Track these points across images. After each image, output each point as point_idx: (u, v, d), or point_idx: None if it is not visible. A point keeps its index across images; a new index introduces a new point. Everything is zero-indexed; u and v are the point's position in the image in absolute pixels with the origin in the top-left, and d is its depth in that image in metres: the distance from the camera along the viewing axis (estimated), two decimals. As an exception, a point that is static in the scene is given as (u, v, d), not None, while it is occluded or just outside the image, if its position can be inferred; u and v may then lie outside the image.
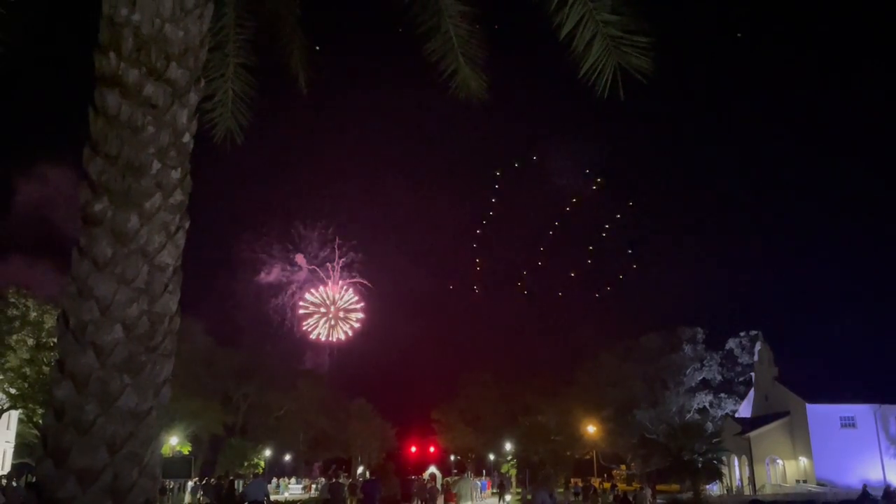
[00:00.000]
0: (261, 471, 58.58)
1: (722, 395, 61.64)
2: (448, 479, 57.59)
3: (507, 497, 46.12)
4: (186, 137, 5.62)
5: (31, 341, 38.97)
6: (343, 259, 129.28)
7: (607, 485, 51.33)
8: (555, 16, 7.25)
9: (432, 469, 62.23)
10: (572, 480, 53.81)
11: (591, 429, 60.62)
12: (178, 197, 5.47)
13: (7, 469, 44.38)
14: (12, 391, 39.68)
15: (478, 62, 8.82)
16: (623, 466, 69.20)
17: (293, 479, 72.21)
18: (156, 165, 5.31)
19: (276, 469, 78.92)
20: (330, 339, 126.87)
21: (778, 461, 53.55)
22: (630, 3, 7.17)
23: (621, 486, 53.77)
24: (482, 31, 8.64)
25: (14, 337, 38.45)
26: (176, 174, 5.46)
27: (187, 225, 5.59)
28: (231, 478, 40.70)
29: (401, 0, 8.54)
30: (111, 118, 5.29)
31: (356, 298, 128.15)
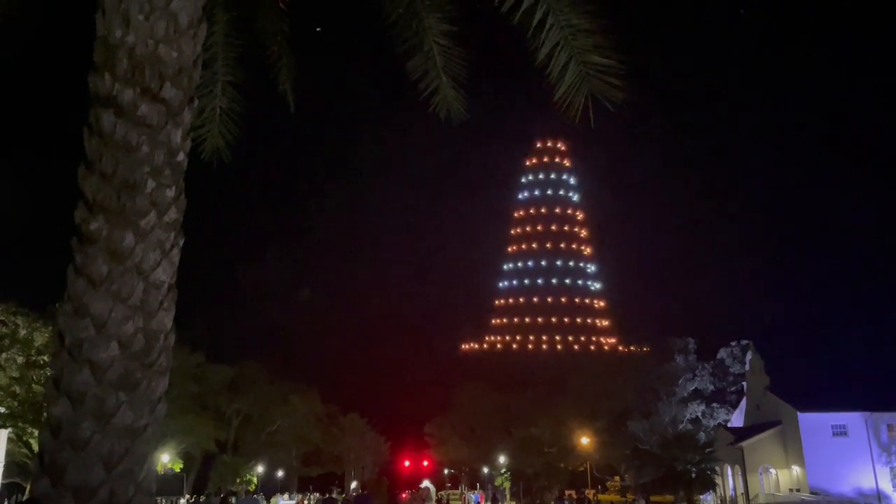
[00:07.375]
0: (253, 487, 58.06)
1: (714, 404, 61.66)
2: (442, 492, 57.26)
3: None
4: (181, 156, 5.69)
5: (20, 359, 38.58)
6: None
7: (590, 493, 51.16)
8: (533, 40, 7.28)
9: (426, 483, 61.92)
10: (566, 492, 53.67)
11: (585, 440, 60.48)
12: (173, 215, 5.53)
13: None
14: (2, 410, 39.27)
15: (460, 81, 8.75)
16: (617, 478, 69.01)
17: (286, 495, 71.59)
18: (150, 184, 5.38)
19: (270, 485, 78.19)
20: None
21: (771, 470, 53.59)
22: (605, 32, 7.16)
23: (605, 497, 53.68)
24: (466, 51, 8.56)
25: (3, 355, 38.10)
26: (170, 192, 5.52)
27: (182, 242, 5.64)
28: (223, 494, 40.38)
29: (386, 18, 8.51)
30: (106, 137, 5.36)
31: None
